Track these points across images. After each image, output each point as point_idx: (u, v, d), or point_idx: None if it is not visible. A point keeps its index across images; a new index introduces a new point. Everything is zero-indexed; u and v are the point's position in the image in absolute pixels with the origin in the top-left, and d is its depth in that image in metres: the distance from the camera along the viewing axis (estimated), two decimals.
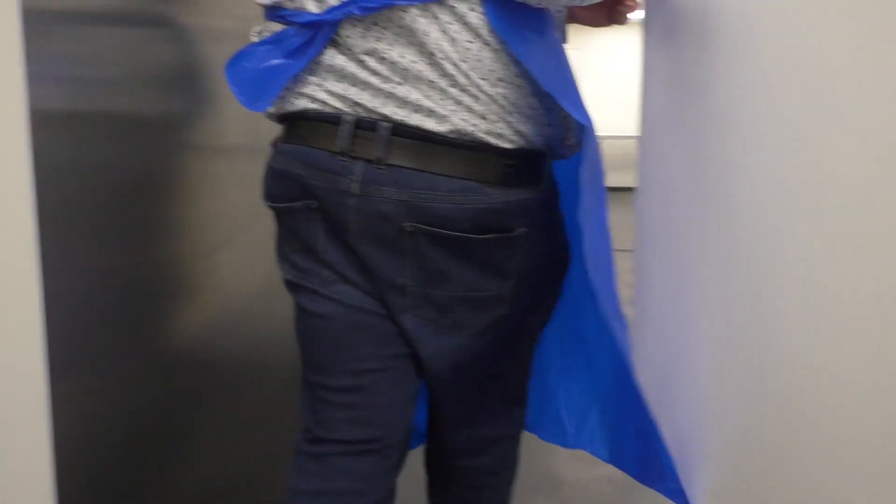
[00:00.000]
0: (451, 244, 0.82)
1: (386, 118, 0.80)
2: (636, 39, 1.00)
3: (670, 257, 0.89)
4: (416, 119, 0.79)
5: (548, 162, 0.88)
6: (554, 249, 0.91)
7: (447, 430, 1.04)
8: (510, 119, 0.81)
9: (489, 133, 0.80)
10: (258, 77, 0.86)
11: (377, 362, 0.91)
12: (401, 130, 0.80)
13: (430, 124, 0.79)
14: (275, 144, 0.91)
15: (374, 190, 0.81)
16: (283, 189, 0.88)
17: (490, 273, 0.85)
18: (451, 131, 0.79)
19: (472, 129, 0.80)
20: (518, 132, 0.82)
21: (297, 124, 0.87)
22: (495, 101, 0.80)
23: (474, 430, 1.03)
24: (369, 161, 0.80)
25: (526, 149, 0.83)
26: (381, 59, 0.80)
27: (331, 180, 0.82)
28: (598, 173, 0.82)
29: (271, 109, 0.89)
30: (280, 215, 0.91)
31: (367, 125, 0.80)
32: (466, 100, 0.79)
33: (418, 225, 0.81)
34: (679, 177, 0.85)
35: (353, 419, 0.92)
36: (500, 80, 0.80)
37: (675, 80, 0.84)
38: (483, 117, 0.80)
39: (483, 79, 0.79)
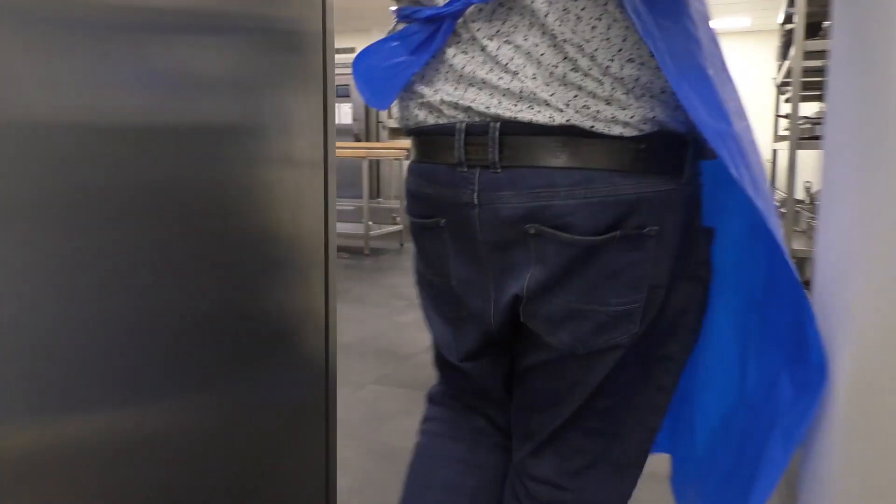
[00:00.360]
0: (576, 249, 0.75)
1: (497, 118, 0.76)
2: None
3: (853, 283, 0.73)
4: (527, 115, 0.74)
5: (691, 153, 0.79)
6: (694, 262, 0.82)
7: (527, 466, 0.93)
8: (639, 103, 0.73)
9: (613, 121, 0.73)
10: (383, 75, 0.86)
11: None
12: (511, 128, 0.75)
13: (543, 118, 0.74)
14: (409, 164, 0.92)
15: (493, 196, 0.78)
16: (418, 208, 0.90)
17: (618, 283, 0.77)
18: (568, 123, 0.73)
19: (591, 119, 0.73)
20: (649, 119, 0.74)
21: (420, 141, 0.87)
22: (623, 84, 0.73)
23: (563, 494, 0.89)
24: (485, 167, 0.78)
25: (659, 132, 0.75)
26: (504, 44, 0.76)
27: (455, 194, 0.81)
28: (748, 188, 0.71)
29: (395, 121, 0.92)
30: (416, 230, 0.92)
31: (478, 129, 0.77)
32: (589, 84, 0.73)
33: (540, 227, 0.76)
34: (865, 189, 0.70)
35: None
36: (629, 60, 0.73)
37: (865, 86, 0.71)
38: (607, 102, 0.73)
39: (610, 60, 0.72)
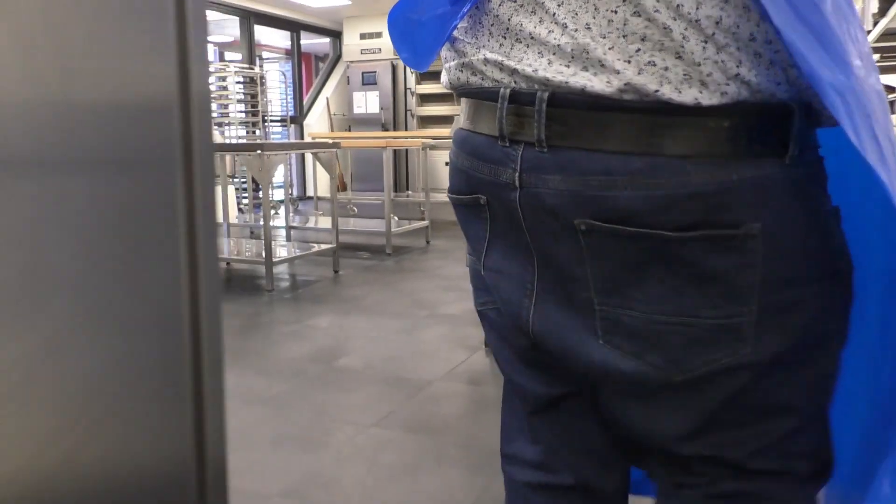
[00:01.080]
0: (644, 244, 0.63)
1: (545, 83, 0.66)
2: None
3: None
4: (580, 80, 0.64)
5: (799, 123, 0.63)
6: (830, 255, 0.67)
7: None
8: (719, 57, 0.60)
9: (685, 80, 0.60)
10: (422, 30, 0.79)
11: (538, 399, 0.85)
12: (561, 99, 0.65)
13: (598, 84, 0.63)
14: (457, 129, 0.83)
15: (537, 179, 0.68)
16: (457, 182, 0.81)
17: (712, 291, 0.64)
18: (625, 89, 0.61)
19: (657, 79, 0.61)
20: (731, 76, 0.60)
21: (465, 102, 0.78)
22: (699, 29, 0.60)
23: None
24: (531, 143, 0.68)
25: (750, 103, 0.61)
26: None
27: (494, 171, 0.72)
28: (875, 161, 0.58)
29: (445, 82, 0.81)
30: (456, 208, 0.84)
31: (523, 98, 0.68)
32: (654, 33, 0.61)
33: (594, 222, 0.65)
34: None
35: (536, 446, 0.88)
36: None
37: None
38: (677, 56, 0.60)
39: None
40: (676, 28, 0.60)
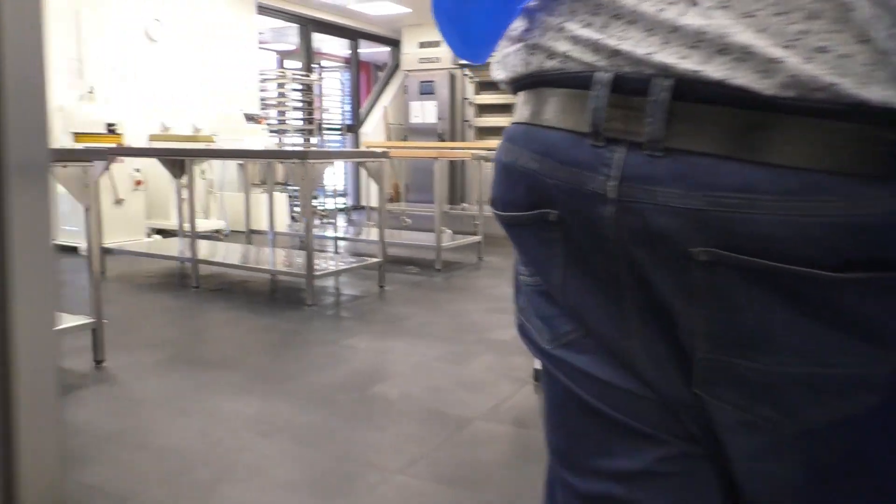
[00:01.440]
0: (783, 284, 0.52)
1: (665, 70, 0.53)
2: None
3: None
4: (718, 69, 0.51)
5: None
6: None
7: None
8: None
9: (870, 72, 0.47)
10: (476, 11, 0.67)
11: (642, 463, 0.65)
12: (691, 90, 0.52)
13: (746, 75, 0.50)
14: (509, 125, 0.69)
15: (643, 191, 0.54)
16: (510, 192, 0.66)
17: (853, 336, 0.53)
18: (788, 83, 0.48)
19: (830, 72, 0.48)
20: None
21: (532, 93, 0.63)
22: (891, 10, 0.47)
23: None
24: (637, 144, 0.54)
25: None
26: None
27: (576, 177, 0.58)
28: None
29: (501, 75, 0.68)
30: (508, 228, 0.68)
31: (633, 86, 0.54)
32: (827, 10, 0.48)
33: (720, 252, 0.52)
34: None
35: None
36: None
37: None
38: (862, 40, 0.47)
39: None
40: (861, 5, 0.48)
